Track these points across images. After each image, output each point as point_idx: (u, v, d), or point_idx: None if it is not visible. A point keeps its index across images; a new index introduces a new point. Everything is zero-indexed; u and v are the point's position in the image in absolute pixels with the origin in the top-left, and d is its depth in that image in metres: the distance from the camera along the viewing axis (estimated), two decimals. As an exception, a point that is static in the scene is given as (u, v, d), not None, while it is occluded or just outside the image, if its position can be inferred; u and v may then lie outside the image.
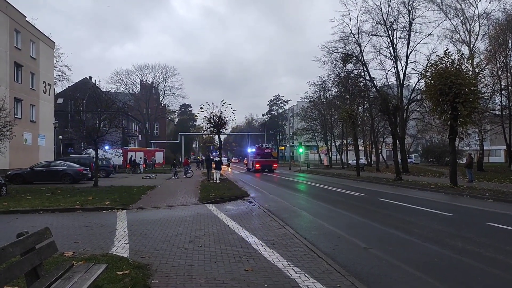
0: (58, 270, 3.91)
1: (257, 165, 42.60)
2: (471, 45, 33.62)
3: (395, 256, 6.62)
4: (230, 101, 27.96)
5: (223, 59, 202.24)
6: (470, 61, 21.12)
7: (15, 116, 27.85)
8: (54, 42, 38.73)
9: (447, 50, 19.52)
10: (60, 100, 47.31)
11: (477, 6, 33.86)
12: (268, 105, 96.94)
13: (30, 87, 32.44)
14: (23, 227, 4.34)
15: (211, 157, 32.61)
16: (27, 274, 3.54)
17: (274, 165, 43.92)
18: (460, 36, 34.52)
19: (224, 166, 35.92)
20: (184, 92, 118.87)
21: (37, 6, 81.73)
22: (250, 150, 51.00)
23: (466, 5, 33.94)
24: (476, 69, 24.61)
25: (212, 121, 30.51)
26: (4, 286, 3.77)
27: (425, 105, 33.45)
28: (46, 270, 4.09)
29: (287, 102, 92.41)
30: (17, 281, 4.57)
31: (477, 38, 33.85)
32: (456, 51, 20.00)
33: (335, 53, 38.36)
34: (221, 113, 30.36)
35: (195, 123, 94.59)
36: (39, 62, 34.08)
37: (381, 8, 35.02)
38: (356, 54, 37.62)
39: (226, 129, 35.27)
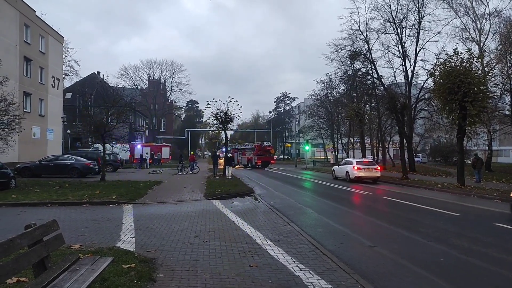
0: (65, 262, 3.96)
1: (258, 162, 46.77)
2: (481, 44, 33.12)
3: (401, 255, 6.60)
4: (236, 97, 27.78)
5: (230, 54, 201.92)
6: (479, 60, 20.82)
7: (24, 110, 28.08)
8: (63, 37, 38.97)
9: (456, 48, 19.29)
10: (68, 95, 47.69)
11: (488, 4, 33.25)
12: (274, 102, 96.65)
13: (39, 81, 32.71)
14: (31, 219, 4.39)
15: (217, 153, 32.83)
16: (34, 266, 3.59)
17: (272, 161, 50.02)
18: (470, 34, 34.02)
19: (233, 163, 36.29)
20: (191, 88, 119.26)
21: (43, 0, 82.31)
22: (245, 147, 55.41)
23: (477, 3, 33.38)
24: (485, 68, 24.14)
25: (218, 117, 30.54)
26: (12, 276, 3.83)
27: (433, 104, 33.05)
28: (53, 262, 4.15)
29: (294, 99, 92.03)
30: (24, 272, 4.64)
31: (487, 37, 33.32)
32: (466, 50, 19.73)
33: (342, 51, 37.97)
34: (228, 109, 30.39)
35: (201, 119, 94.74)
36: (48, 57, 34.33)
37: (390, 6, 34.56)
38: (364, 51, 37.26)
39: (233, 126, 35.32)
